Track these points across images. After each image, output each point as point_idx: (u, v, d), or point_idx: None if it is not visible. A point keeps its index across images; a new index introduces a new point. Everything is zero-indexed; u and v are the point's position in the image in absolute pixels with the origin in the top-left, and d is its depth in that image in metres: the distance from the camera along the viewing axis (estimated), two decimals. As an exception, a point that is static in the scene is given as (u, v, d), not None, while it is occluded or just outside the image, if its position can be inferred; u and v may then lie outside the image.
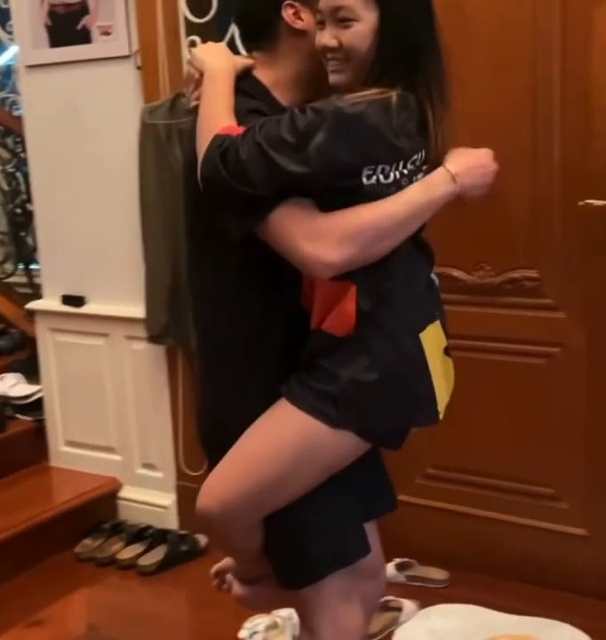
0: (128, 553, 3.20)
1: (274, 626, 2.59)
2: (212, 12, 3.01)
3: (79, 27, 3.25)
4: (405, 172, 1.52)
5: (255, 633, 2.57)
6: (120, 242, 3.34)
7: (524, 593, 2.74)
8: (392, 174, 1.50)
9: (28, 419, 3.73)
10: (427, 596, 2.77)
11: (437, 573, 2.88)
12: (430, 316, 1.63)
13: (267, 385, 1.64)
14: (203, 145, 1.51)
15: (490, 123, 2.57)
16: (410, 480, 2.93)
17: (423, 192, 1.54)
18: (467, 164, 1.59)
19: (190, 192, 1.64)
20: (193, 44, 2.98)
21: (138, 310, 3.25)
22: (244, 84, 1.64)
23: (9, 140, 4.44)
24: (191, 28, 3.04)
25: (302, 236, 1.49)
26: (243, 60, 1.66)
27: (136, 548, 3.21)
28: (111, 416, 3.51)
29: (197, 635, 2.80)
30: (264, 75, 1.66)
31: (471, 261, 2.77)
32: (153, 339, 3.22)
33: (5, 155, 4.44)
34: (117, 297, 3.40)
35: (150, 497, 3.44)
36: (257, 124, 1.48)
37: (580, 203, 2.55)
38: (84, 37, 3.25)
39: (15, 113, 4.60)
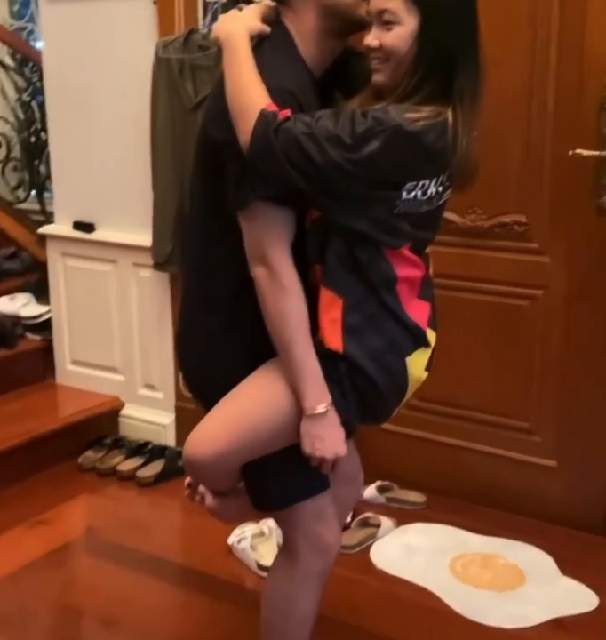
0: (128, 465, 3.33)
1: (260, 534, 2.74)
2: (229, -50, 3.08)
3: (99, -41, 3.33)
4: (440, 189, 1.58)
5: (243, 539, 2.73)
6: (130, 172, 3.42)
7: (496, 518, 2.91)
8: (429, 191, 1.56)
9: (37, 337, 3.84)
10: (405, 517, 2.93)
11: (415, 496, 3.03)
12: (420, 342, 1.67)
13: (251, 333, 1.67)
14: (244, 117, 1.52)
15: (490, 68, 2.66)
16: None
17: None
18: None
19: (205, 152, 1.68)
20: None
21: (145, 238, 3.34)
22: (274, 33, 1.64)
23: (26, 69, 4.47)
24: (208, -35, 3.11)
25: (255, 254, 1.59)
26: (257, 25, 1.64)
27: (135, 461, 3.35)
28: (116, 338, 3.62)
29: (189, 539, 2.96)
30: (289, 24, 1.67)
31: (464, 205, 2.88)
32: (158, 266, 3.32)
33: (22, 83, 4.50)
34: (126, 225, 3.50)
35: (150, 415, 3.56)
36: (312, 116, 1.51)
37: (570, 152, 2.65)
38: (104, -30, 3.31)
39: (33, 43, 4.70)
